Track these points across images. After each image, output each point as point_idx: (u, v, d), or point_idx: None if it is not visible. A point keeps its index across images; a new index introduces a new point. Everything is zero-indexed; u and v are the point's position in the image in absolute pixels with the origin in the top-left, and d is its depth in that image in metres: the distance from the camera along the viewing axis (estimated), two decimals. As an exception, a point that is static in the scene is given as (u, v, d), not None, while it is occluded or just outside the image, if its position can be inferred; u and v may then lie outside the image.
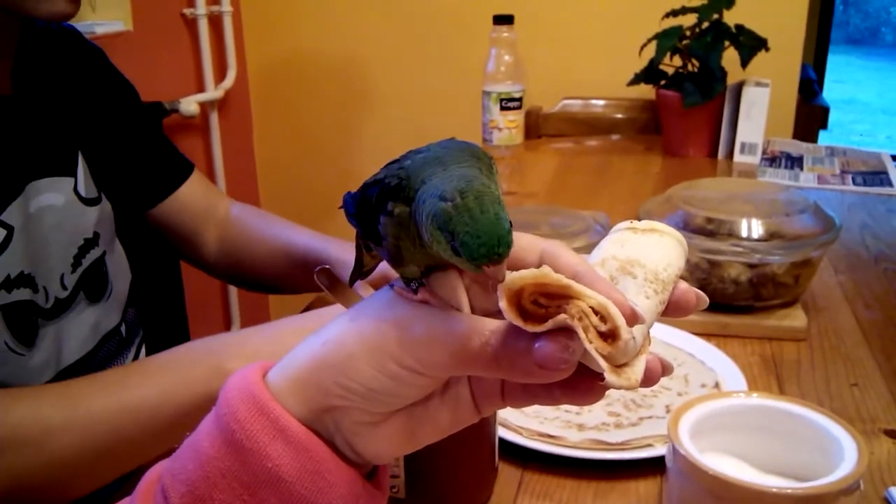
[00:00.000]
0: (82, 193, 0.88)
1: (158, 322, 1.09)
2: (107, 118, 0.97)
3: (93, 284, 0.90)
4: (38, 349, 0.81)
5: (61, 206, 0.85)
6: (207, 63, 2.02)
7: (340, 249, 0.93)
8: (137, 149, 1.02)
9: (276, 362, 0.41)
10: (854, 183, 1.56)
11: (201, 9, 1.97)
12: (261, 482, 0.38)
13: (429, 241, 0.35)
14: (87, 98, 0.94)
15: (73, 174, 0.88)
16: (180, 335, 1.22)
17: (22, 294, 0.79)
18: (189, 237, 1.08)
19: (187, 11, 1.97)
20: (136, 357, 0.99)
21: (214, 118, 2.07)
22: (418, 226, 0.36)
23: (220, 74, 2.09)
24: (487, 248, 0.33)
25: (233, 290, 2.18)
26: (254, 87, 2.24)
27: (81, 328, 0.88)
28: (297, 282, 1.03)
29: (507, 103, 1.73)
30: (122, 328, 0.96)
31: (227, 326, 2.20)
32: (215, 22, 2.05)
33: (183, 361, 0.71)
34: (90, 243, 0.89)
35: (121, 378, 0.72)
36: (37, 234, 0.81)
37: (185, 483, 0.39)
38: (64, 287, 0.86)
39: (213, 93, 2.04)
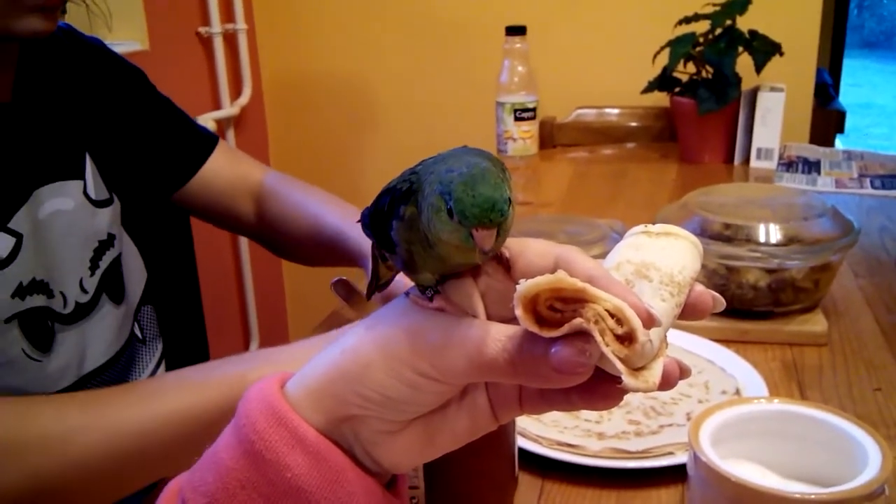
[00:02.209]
0: (92, 196, 0.88)
1: (176, 322, 1.08)
2: (114, 112, 0.96)
3: (114, 286, 0.90)
4: (56, 355, 0.82)
5: (71, 210, 0.85)
6: (223, 80, 2.04)
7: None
8: (153, 134, 1.00)
9: (294, 373, 0.42)
10: (872, 186, 1.55)
11: (216, 27, 1.99)
12: (280, 493, 0.38)
13: (429, 218, 0.36)
14: (92, 96, 0.93)
15: (82, 177, 0.87)
16: (198, 335, 1.23)
17: (36, 301, 0.79)
18: (225, 211, 1.06)
19: (202, 30, 1.98)
20: (158, 361, 0.99)
21: (231, 135, 2.08)
22: (421, 212, 0.36)
23: (236, 92, 2.11)
24: (480, 210, 0.34)
25: (251, 302, 2.19)
26: (269, 103, 2.25)
27: (106, 331, 0.88)
28: (326, 261, 1.02)
29: (522, 114, 1.73)
30: (136, 328, 0.96)
31: (246, 337, 2.21)
32: (230, 40, 2.07)
33: (210, 372, 0.71)
34: (105, 245, 0.89)
35: (147, 387, 0.73)
36: (48, 240, 0.81)
37: (205, 495, 0.39)
38: (84, 291, 0.86)
39: (229, 110, 2.06)
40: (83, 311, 0.85)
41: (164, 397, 0.68)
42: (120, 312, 0.91)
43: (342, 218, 0.97)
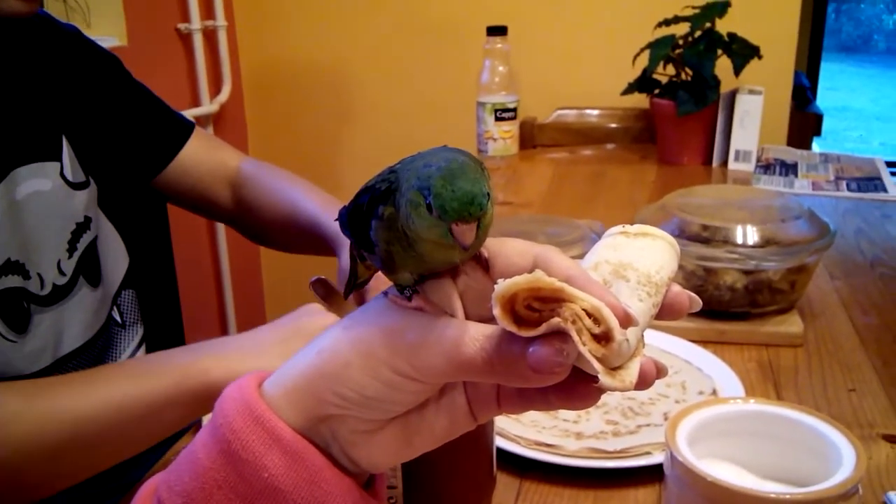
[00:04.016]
0: (69, 178, 0.88)
1: (156, 308, 1.08)
2: (90, 97, 0.96)
3: (91, 268, 0.90)
4: (32, 336, 0.82)
5: (48, 191, 0.85)
6: (202, 77, 2.03)
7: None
8: (128, 121, 1.00)
9: (272, 373, 0.41)
10: (848, 189, 1.56)
11: (196, 24, 1.98)
12: (257, 493, 0.38)
13: (408, 214, 0.36)
14: (68, 80, 0.93)
15: (59, 159, 0.87)
16: (176, 323, 1.22)
17: (12, 281, 0.79)
18: (202, 197, 1.06)
19: (182, 26, 1.97)
20: (138, 345, 0.99)
21: (210, 132, 2.07)
22: (399, 210, 0.36)
23: (216, 89, 2.10)
24: (460, 203, 0.34)
25: (229, 297, 2.18)
26: (249, 100, 2.24)
27: (83, 314, 0.88)
28: (303, 249, 1.02)
29: (502, 114, 1.74)
30: (115, 312, 0.96)
31: (224, 332, 2.20)
32: (210, 36, 2.06)
33: (156, 362, 0.72)
34: (82, 227, 0.89)
35: (86, 376, 0.72)
36: (24, 220, 0.81)
37: (181, 495, 0.39)
38: (62, 273, 0.86)
39: (208, 107, 2.05)
40: (60, 294, 0.85)
41: (103, 386, 0.69)
42: (97, 295, 0.91)
43: (319, 206, 0.97)
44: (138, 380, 0.69)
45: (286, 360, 0.41)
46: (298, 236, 0.99)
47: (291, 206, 1.00)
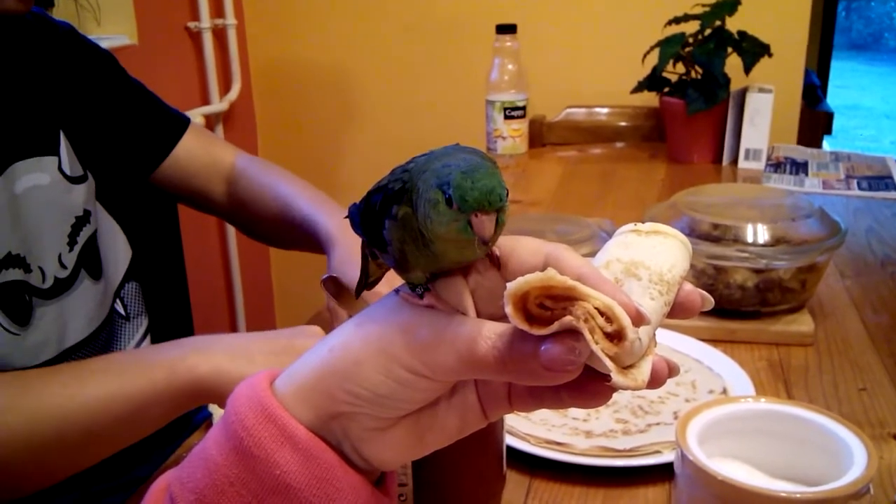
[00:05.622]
0: (67, 172, 0.88)
1: (162, 300, 1.08)
2: (86, 94, 0.96)
3: (92, 261, 0.91)
4: (34, 329, 0.82)
5: (47, 185, 0.85)
6: (212, 76, 2.03)
7: (332, 222, 0.93)
8: (124, 117, 1.01)
9: (283, 370, 0.42)
10: (859, 188, 1.56)
11: (206, 22, 1.99)
12: (269, 490, 0.38)
13: (426, 213, 0.36)
14: (64, 77, 0.94)
15: (57, 153, 0.88)
16: (183, 314, 1.23)
17: (13, 275, 0.80)
18: (198, 193, 1.07)
19: (192, 25, 1.98)
20: (142, 337, 1.00)
21: (220, 131, 2.08)
22: (416, 209, 0.37)
23: (225, 87, 2.10)
24: (480, 193, 0.34)
25: (238, 288, 2.19)
26: (258, 98, 2.25)
27: (86, 307, 0.89)
28: (294, 245, 1.03)
29: (511, 112, 1.74)
30: (118, 304, 0.96)
31: (233, 325, 2.21)
32: (219, 35, 2.06)
33: (140, 358, 0.72)
34: (82, 221, 0.90)
35: (72, 371, 0.72)
36: (24, 214, 0.82)
37: (194, 491, 0.39)
38: (63, 266, 0.86)
39: (218, 105, 2.05)
40: (62, 287, 0.86)
41: (88, 382, 0.69)
42: (99, 288, 0.91)
43: (311, 204, 0.98)
44: (125, 376, 0.69)
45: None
46: (289, 233, 1.00)
47: (283, 203, 1.01)
